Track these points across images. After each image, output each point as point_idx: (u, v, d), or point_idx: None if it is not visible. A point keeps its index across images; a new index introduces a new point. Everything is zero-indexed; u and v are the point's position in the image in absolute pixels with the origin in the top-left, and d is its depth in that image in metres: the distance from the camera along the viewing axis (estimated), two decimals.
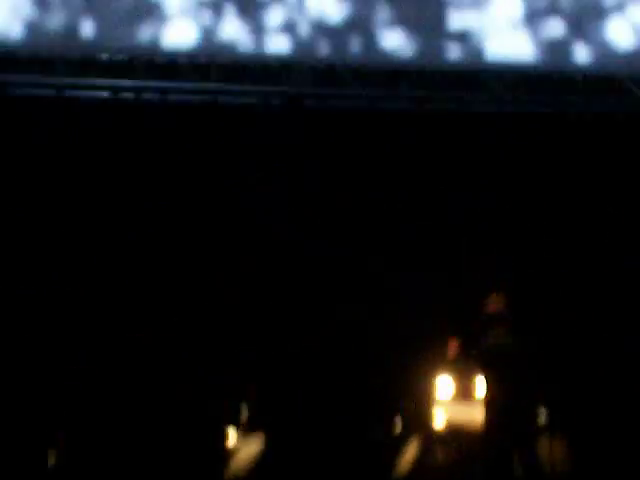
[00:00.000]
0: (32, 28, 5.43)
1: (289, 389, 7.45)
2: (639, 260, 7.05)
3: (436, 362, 7.42)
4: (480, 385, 7.27)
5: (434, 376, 7.48)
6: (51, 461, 6.34)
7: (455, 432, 6.70)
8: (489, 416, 5.00)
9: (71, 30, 5.43)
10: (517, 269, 6.92)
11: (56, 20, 5.44)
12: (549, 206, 7.21)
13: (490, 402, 5.61)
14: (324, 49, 5.57)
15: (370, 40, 5.56)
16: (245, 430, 6.64)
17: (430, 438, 6.81)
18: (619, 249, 7.14)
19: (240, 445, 6.48)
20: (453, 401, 7.01)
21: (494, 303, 5.33)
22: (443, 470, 6.64)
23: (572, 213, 7.21)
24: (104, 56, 5.87)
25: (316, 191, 7.18)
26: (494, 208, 7.11)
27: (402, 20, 5.57)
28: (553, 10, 5.61)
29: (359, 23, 5.54)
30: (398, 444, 6.74)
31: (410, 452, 6.54)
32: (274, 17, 5.55)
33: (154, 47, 5.52)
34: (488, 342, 4.66)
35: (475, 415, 6.41)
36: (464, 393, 7.28)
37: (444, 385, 7.52)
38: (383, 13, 5.57)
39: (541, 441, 6.24)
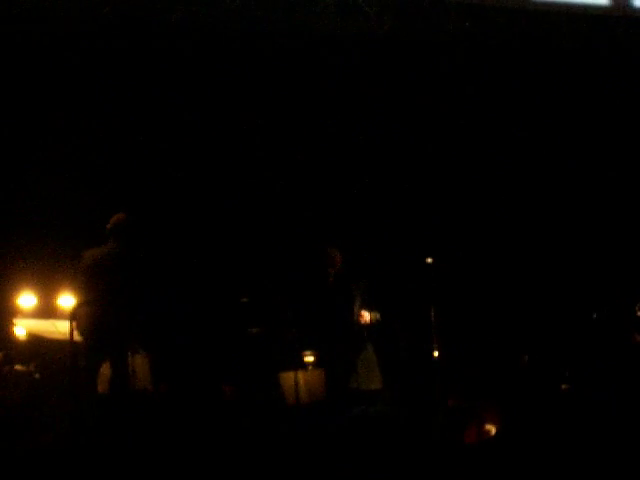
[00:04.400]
0: None
1: None
2: None
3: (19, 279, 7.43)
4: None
5: (16, 292, 7.47)
6: None
7: (36, 344, 6.79)
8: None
9: None
10: None
11: None
12: None
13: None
14: None
15: None
16: None
17: (10, 350, 6.82)
18: None
19: None
20: (36, 316, 7.10)
21: None
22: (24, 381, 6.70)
23: None
24: None
25: None
26: None
27: None
28: None
29: None
30: None
31: None
32: None
33: None
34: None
35: (56, 328, 6.57)
36: (46, 309, 7.40)
37: (26, 301, 7.55)
38: None
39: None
